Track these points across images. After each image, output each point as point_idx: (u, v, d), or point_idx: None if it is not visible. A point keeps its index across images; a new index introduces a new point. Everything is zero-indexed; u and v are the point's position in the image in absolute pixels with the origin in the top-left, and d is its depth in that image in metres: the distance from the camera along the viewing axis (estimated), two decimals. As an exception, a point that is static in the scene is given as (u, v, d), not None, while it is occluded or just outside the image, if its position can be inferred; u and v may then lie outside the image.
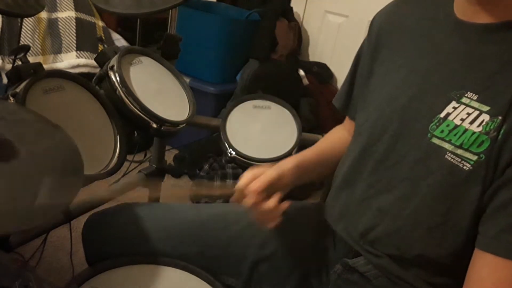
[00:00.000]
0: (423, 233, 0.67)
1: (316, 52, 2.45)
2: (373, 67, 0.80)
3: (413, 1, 0.78)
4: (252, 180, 0.73)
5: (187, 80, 2.08)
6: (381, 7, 0.84)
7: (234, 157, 1.10)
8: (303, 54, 2.47)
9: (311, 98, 2.25)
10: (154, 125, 0.97)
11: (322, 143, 0.93)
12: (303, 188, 2.11)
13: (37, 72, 0.83)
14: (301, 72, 2.28)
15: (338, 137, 0.93)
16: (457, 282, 0.64)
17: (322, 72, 2.35)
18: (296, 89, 2.23)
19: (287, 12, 2.36)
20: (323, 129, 2.15)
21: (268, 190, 0.72)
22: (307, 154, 0.87)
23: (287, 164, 0.79)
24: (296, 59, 2.39)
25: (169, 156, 2.16)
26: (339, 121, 0.97)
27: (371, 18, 0.84)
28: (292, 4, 2.40)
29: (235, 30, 2.21)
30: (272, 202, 0.72)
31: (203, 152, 2.12)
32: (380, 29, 0.80)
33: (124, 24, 2.28)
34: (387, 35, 0.78)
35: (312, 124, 2.17)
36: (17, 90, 0.78)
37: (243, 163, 1.10)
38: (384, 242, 0.71)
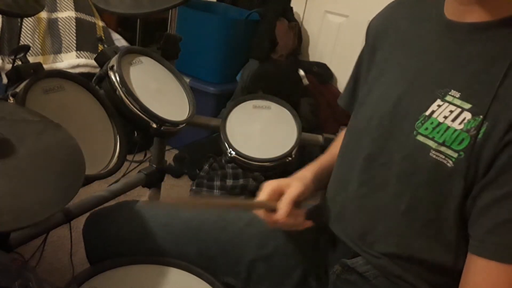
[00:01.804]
0: (419, 230, 0.67)
1: (316, 52, 2.45)
2: (371, 70, 0.81)
3: (408, 3, 0.79)
4: (272, 194, 0.75)
5: (187, 80, 2.08)
6: (381, 7, 0.84)
7: (234, 157, 1.10)
8: (303, 54, 2.47)
9: (311, 98, 2.25)
10: (154, 125, 0.97)
11: (335, 147, 0.94)
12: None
13: (37, 72, 0.83)
14: (301, 72, 2.28)
15: None
16: (456, 281, 0.64)
17: (322, 72, 2.34)
18: (296, 89, 2.23)
19: (287, 12, 2.36)
20: (323, 129, 2.15)
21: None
22: (323, 161, 0.89)
23: (307, 176, 0.82)
24: (296, 59, 2.38)
25: (169, 156, 2.16)
26: (339, 121, 0.97)
27: (371, 18, 0.85)
28: (292, 4, 2.40)
29: (235, 30, 2.21)
30: (298, 218, 0.76)
31: (203, 152, 2.11)
32: (377, 32, 0.81)
33: (124, 24, 2.28)
34: (382, 37, 0.79)
35: (312, 124, 2.17)
36: (17, 90, 0.78)
37: (243, 163, 1.10)
38: (383, 241, 0.71)
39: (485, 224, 0.60)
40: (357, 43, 0.89)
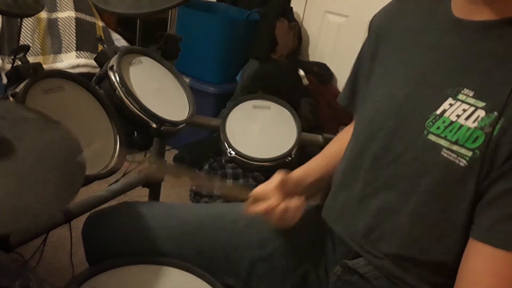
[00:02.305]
0: (423, 231, 0.67)
1: (316, 52, 2.45)
2: (373, 67, 0.80)
3: (411, 0, 0.78)
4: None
5: (187, 80, 2.08)
6: (381, 7, 0.84)
7: (233, 157, 1.10)
8: (303, 54, 2.47)
9: (311, 98, 2.25)
10: (154, 125, 0.97)
11: (330, 148, 0.94)
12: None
13: (37, 72, 0.83)
14: (301, 72, 2.28)
15: (347, 138, 0.93)
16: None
17: (322, 72, 2.35)
18: (296, 89, 2.23)
19: (287, 12, 2.36)
20: (323, 129, 2.15)
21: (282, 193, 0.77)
22: (312, 164, 0.91)
23: (294, 171, 0.86)
24: (296, 59, 2.39)
25: (169, 156, 2.16)
26: (339, 121, 0.97)
27: (371, 18, 0.84)
28: (292, 4, 2.40)
29: (235, 30, 2.21)
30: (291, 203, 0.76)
31: (203, 152, 2.12)
32: (379, 29, 0.80)
33: (124, 24, 2.28)
34: (385, 34, 0.79)
35: (312, 124, 2.17)
36: (17, 90, 0.78)
37: (243, 163, 1.10)
38: (386, 241, 0.71)
39: (494, 213, 0.60)
40: (357, 43, 0.88)
